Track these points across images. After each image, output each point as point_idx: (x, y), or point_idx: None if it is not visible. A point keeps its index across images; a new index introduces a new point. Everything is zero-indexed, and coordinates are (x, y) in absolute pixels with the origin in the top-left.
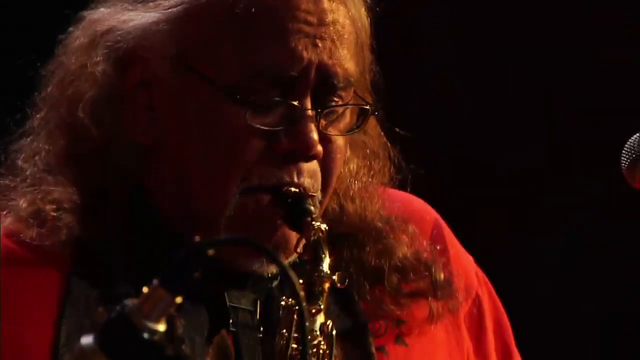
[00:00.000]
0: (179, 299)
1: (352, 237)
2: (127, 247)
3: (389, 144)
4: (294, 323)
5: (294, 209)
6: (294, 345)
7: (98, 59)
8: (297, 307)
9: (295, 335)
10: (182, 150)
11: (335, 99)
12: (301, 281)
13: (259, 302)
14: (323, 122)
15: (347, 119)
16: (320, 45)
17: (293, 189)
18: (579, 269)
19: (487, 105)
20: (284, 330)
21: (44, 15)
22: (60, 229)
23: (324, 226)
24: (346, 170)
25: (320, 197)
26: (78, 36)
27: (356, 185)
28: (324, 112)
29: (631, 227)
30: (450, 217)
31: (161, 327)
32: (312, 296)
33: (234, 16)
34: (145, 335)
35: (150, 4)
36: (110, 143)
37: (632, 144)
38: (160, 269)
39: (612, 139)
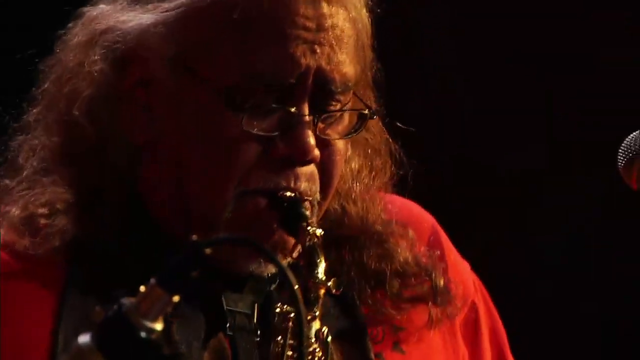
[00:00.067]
0: (176, 298)
1: (353, 239)
2: (123, 248)
3: (390, 140)
4: (290, 330)
5: (290, 213)
6: (290, 353)
7: (96, 57)
8: (292, 315)
9: (291, 342)
10: (179, 151)
11: (334, 103)
12: (296, 287)
13: (256, 305)
14: (321, 125)
15: (346, 121)
16: (318, 51)
17: (288, 194)
18: (579, 269)
19: (488, 105)
20: (279, 338)
21: (44, 11)
22: (53, 235)
23: (319, 231)
24: (347, 169)
25: (319, 199)
26: (77, 33)
27: (358, 187)
28: (322, 116)
29: (632, 227)
30: (451, 218)
31: (158, 326)
32: (308, 303)
33: (232, 20)
34: (143, 334)
35: (149, 5)
36: (107, 142)
37: (628, 143)
38: (156, 270)
39: (612, 139)
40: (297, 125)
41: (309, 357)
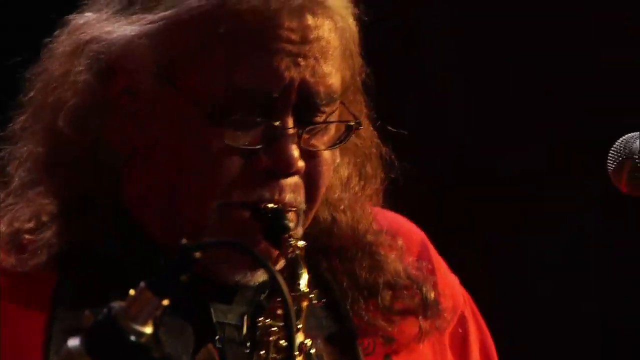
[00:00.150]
0: (165, 302)
1: (344, 249)
2: (110, 257)
3: (381, 144)
4: (272, 344)
5: (272, 224)
6: None
7: (81, 68)
8: (273, 329)
9: (274, 356)
10: (163, 162)
11: (319, 114)
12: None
13: (245, 316)
14: (306, 136)
15: (332, 131)
16: (302, 63)
17: (271, 205)
18: (579, 269)
19: (488, 105)
20: (262, 352)
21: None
22: (40, 249)
23: (301, 243)
24: (337, 178)
25: (305, 208)
26: (63, 42)
27: (348, 195)
28: (307, 128)
29: (631, 227)
30: (451, 218)
31: (148, 329)
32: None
33: (216, 34)
34: (132, 338)
35: (134, 16)
36: (92, 152)
37: (617, 147)
38: (144, 278)
39: (613, 140)
40: (281, 138)
41: None
